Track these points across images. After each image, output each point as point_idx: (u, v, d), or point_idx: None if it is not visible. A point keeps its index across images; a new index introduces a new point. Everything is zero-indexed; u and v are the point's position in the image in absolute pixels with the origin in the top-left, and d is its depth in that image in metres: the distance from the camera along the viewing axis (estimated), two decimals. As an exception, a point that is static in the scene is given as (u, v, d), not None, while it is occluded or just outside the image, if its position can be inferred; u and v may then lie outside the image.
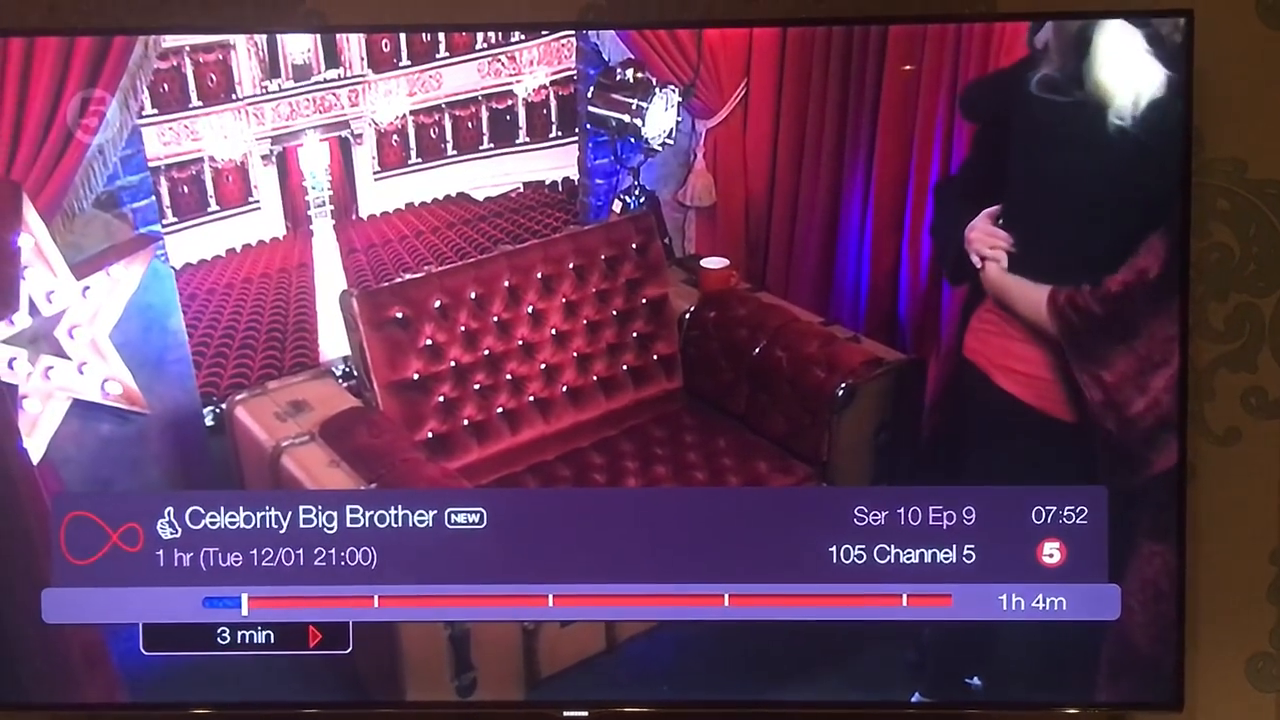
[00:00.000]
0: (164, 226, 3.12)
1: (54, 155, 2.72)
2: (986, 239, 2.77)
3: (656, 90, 3.36)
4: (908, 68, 3.12)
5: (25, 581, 2.77)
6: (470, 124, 3.51)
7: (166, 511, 2.83)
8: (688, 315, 3.43)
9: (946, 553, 2.77)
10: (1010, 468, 2.79)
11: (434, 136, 3.45)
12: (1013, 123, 2.76)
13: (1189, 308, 2.71)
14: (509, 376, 3.22)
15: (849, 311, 3.36)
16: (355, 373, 3.15)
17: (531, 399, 3.25)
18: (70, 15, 2.99)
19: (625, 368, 3.38)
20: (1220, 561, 2.98)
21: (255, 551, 2.80)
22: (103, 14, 3.00)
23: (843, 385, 3.08)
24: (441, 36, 3.28)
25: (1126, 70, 2.62)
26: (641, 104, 3.36)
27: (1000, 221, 2.79)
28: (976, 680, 2.89)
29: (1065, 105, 2.63)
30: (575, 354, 3.31)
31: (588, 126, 3.53)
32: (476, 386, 3.17)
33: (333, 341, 3.28)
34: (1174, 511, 2.71)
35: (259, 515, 2.79)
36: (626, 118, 3.39)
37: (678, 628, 2.94)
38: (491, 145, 3.54)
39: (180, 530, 2.83)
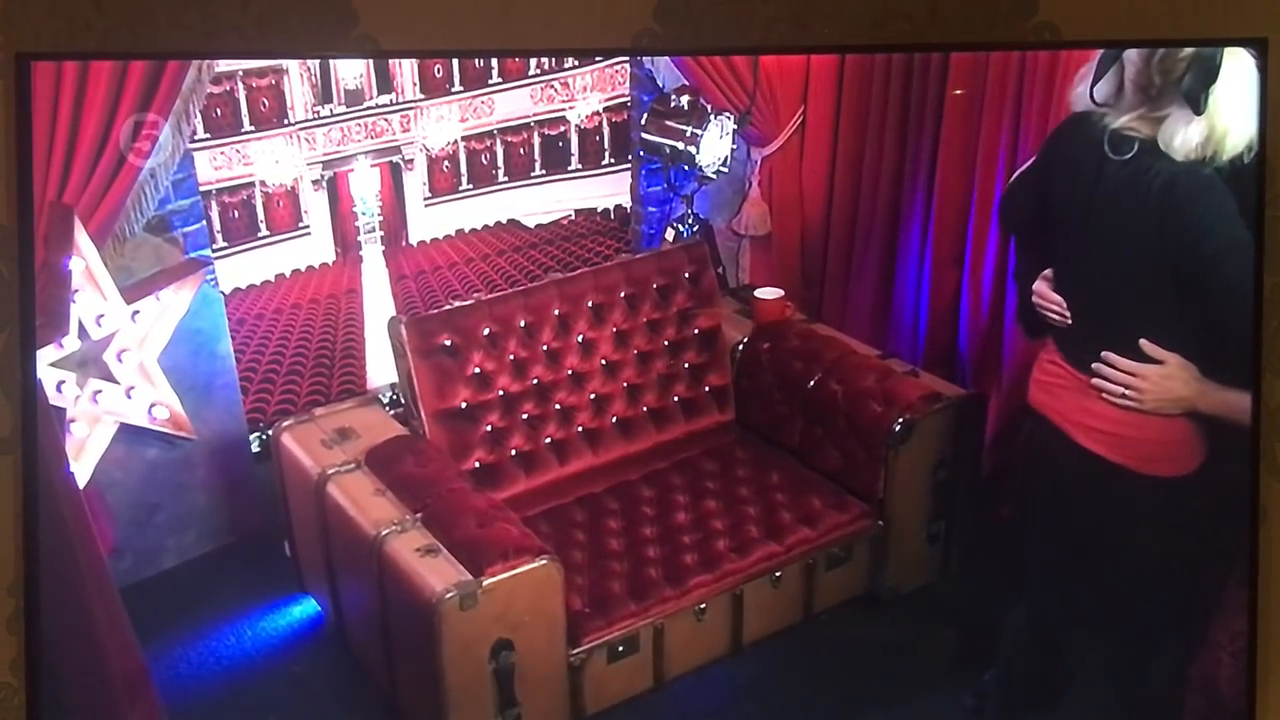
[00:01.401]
0: (214, 251, 3.14)
1: (106, 179, 2.71)
2: (1042, 301, 2.69)
3: (711, 117, 3.35)
4: (959, 92, 3.06)
5: (70, 608, 2.75)
6: (522, 150, 3.50)
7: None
8: (741, 346, 3.39)
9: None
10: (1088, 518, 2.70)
11: (485, 162, 3.44)
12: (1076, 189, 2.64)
13: (1262, 344, 2.61)
14: (558, 406, 3.19)
15: (907, 344, 3.33)
16: (403, 400, 3.12)
17: (580, 430, 3.23)
18: (124, 39, 2.98)
19: (676, 399, 3.35)
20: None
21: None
22: (156, 38, 2.99)
23: (900, 420, 3.02)
24: (494, 62, 3.28)
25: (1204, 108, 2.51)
26: (696, 131, 3.35)
27: (1055, 286, 2.66)
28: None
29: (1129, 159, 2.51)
30: (625, 384, 3.28)
31: (641, 153, 3.52)
32: (525, 416, 3.14)
33: (380, 368, 3.28)
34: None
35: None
36: (680, 145, 3.38)
37: (729, 665, 2.91)
38: (543, 172, 3.54)
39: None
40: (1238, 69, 2.37)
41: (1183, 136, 2.34)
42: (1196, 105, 2.33)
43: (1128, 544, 2.64)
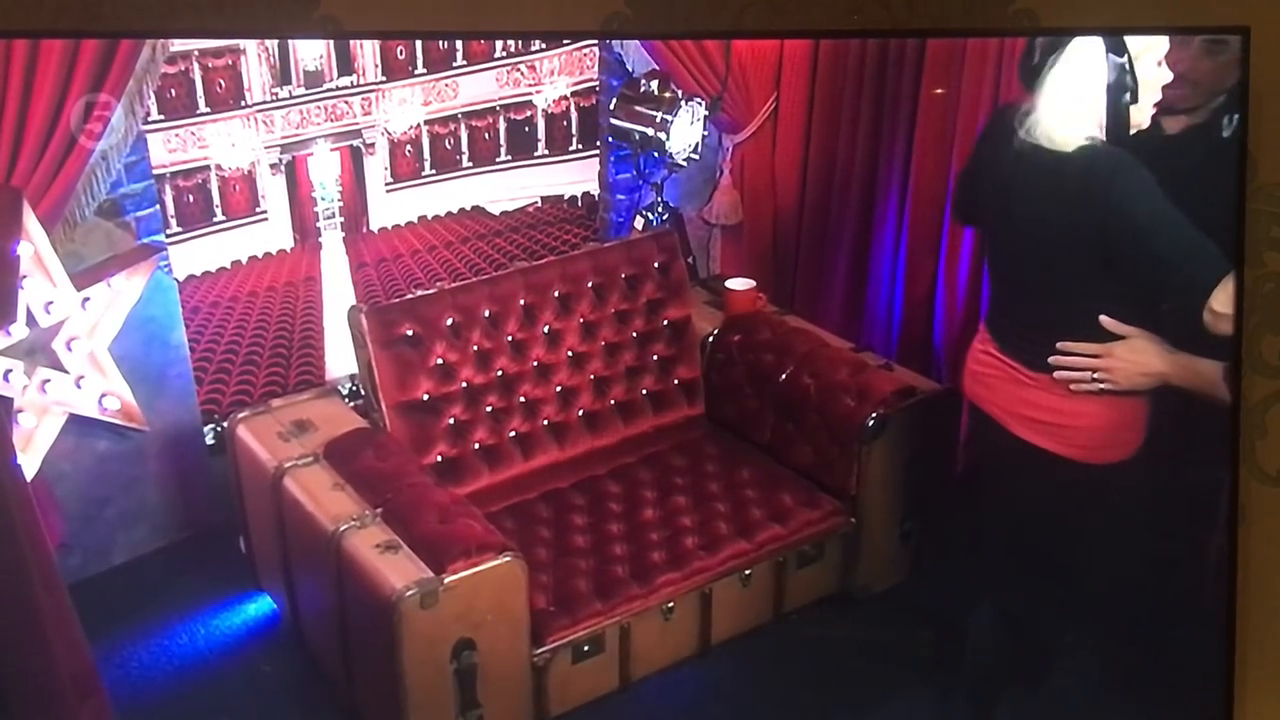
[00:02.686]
0: (168, 236, 3.10)
1: (56, 161, 2.67)
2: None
3: (682, 103, 3.34)
4: (939, 91, 3.06)
5: (16, 605, 2.70)
6: (487, 135, 3.50)
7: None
8: (711, 338, 3.36)
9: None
10: (1042, 514, 2.67)
11: (449, 147, 3.43)
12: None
13: (1241, 341, 2.59)
14: (523, 399, 3.15)
15: (881, 337, 3.33)
16: (363, 392, 3.08)
17: (546, 423, 3.19)
18: (77, 17, 2.93)
19: (645, 392, 3.31)
20: (1273, 605, 2.86)
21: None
22: (110, 16, 2.94)
23: (873, 415, 2.99)
24: (459, 44, 3.25)
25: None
26: (666, 117, 3.33)
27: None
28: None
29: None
30: (592, 377, 3.24)
31: (609, 140, 3.52)
32: (489, 409, 3.10)
33: (340, 359, 3.27)
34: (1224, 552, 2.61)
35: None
36: (650, 131, 3.36)
37: (697, 666, 2.89)
38: (509, 157, 3.54)
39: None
40: (1081, 56, 2.38)
41: (1025, 119, 2.40)
42: (1029, 82, 2.39)
43: (1077, 534, 2.64)
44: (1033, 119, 2.41)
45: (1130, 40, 2.38)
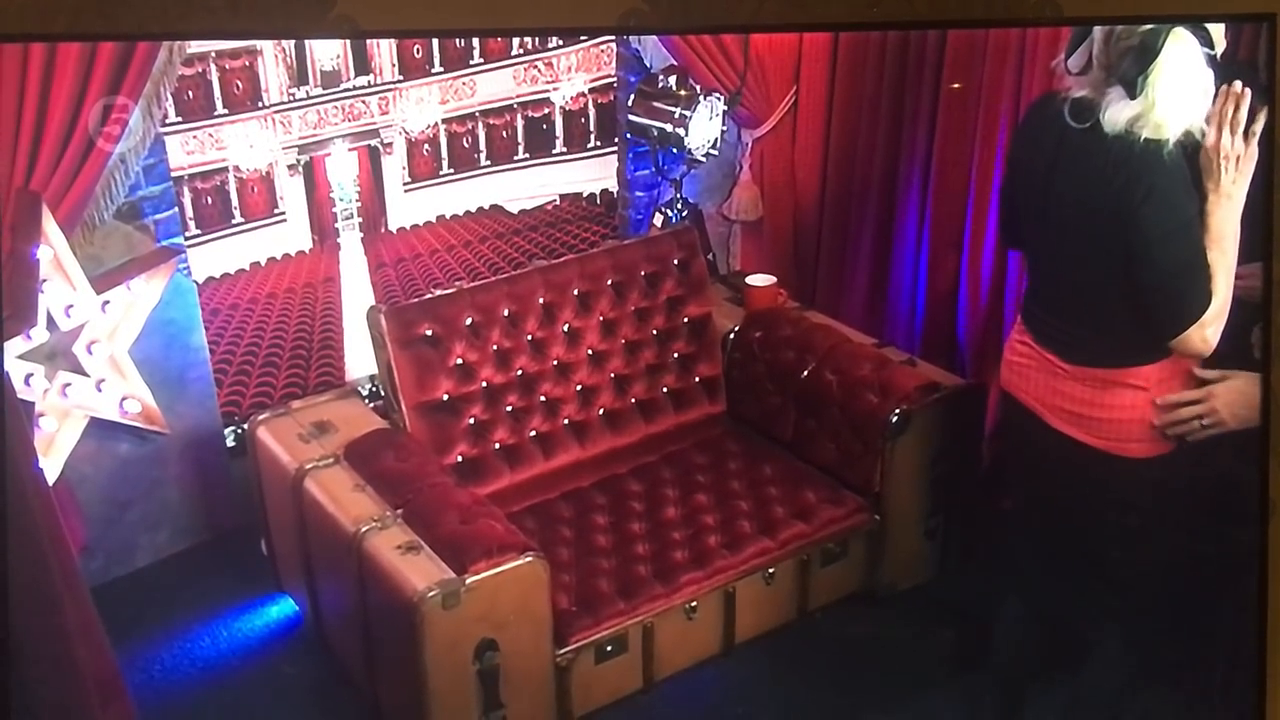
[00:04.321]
0: (186, 239, 3.11)
1: (75, 164, 2.67)
2: None
3: (701, 98, 3.34)
4: (956, 86, 3.04)
5: (39, 609, 2.71)
6: (505, 133, 3.49)
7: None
8: (732, 335, 3.35)
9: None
10: (1073, 506, 2.65)
11: (467, 146, 3.43)
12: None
13: (1271, 334, 2.56)
14: (543, 398, 3.14)
15: (904, 332, 3.32)
16: (382, 393, 3.07)
17: (566, 422, 3.17)
18: (94, 20, 2.94)
19: (665, 390, 3.30)
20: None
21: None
22: (127, 19, 2.95)
23: (897, 411, 2.97)
24: (476, 42, 3.25)
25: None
26: (685, 113, 3.33)
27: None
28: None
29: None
30: (613, 375, 3.22)
31: (628, 136, 3.52)
32: (509, 408, 3.09)
33: (359, 360, 3.27)
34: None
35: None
36: (669, 127, 3.36)
37: (720, 665, 2.87)
38: (527, 155, 3.54)
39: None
40: (1182, 54, 2.30)
41: (1113, 114, 2.32)
42: (1131, 88, 2.30)
43: (1108, 528, 2.60)
44: (1119, 112, 2.32)
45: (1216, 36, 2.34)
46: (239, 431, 3.15)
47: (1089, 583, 2.66)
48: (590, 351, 3.18)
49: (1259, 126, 2.35)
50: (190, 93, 3.01)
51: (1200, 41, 2.29)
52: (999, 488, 2.97)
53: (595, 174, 3.60)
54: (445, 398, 3.00)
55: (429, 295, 3.03)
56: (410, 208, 3.40)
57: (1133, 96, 2.29)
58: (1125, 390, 2.47)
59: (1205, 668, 2.68)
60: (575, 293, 3.15)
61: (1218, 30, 2.33)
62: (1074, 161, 2.39)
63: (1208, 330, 2.36)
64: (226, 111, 3.07)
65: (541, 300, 3.11)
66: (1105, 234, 2.37)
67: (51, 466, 2.79)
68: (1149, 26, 2.30)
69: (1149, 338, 2.40)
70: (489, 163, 3.48)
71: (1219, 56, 2.31)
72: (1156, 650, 2.72)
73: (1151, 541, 2.60)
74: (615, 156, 3.65)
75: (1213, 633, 2.67)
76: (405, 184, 3.40)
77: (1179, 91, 2.30)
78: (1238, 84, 2.31)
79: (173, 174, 3.00)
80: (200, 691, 2.85)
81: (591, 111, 3.55)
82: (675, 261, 3.27)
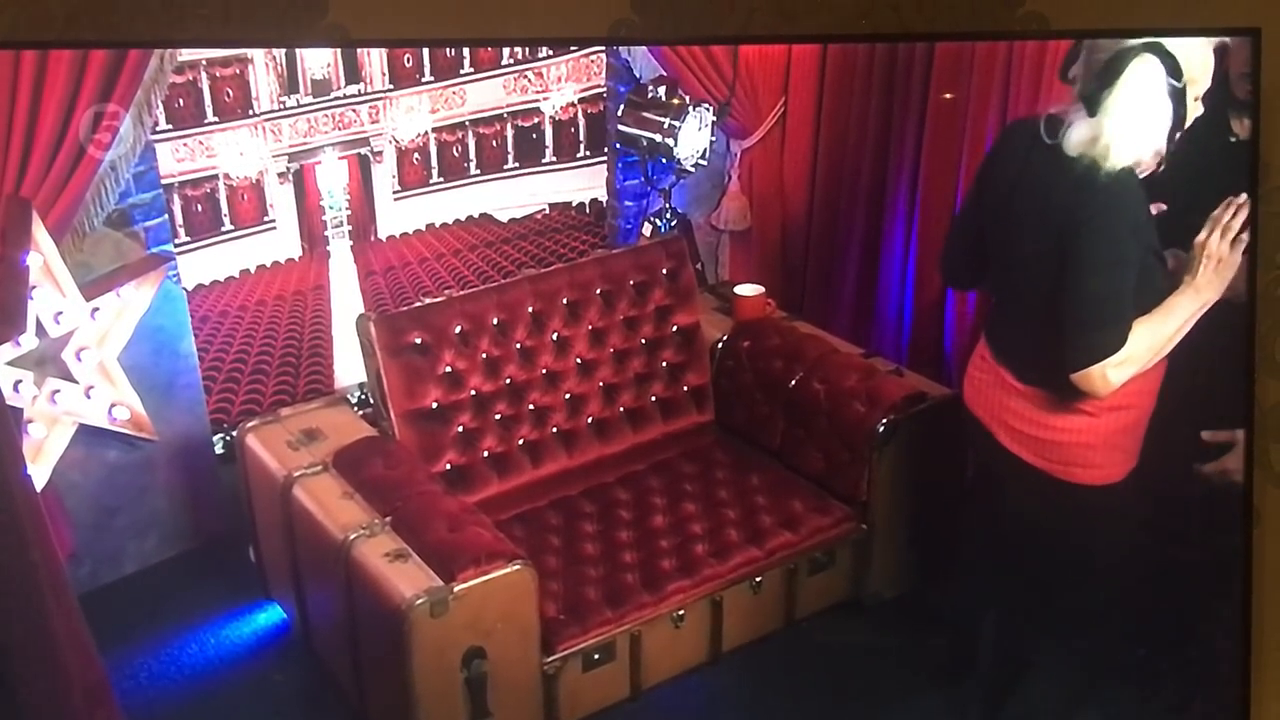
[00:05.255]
0: (176, 246, 3.11)
1: (65, 171, 2.67)
2: None
3: (690, 109, 3.34)
4: (947, 96, 3.05)
5: (26, 616, 2.70)
6: (495, 142, 3.50)
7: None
8: (720, 344, 3.35)
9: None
10: (1019, 525, 2.63)
11: (457, 155, 3.43)
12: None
13: (1255, 345, 2.57)
14: (531, 407, 3.14)
15: (891, 343, 3.32)
16: (371, 400, 3.07)
17: (555, 431, 3.17)
18: (86, 28, 2.94)
19: (654, 399, 3.30)
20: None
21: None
22: (118, 26, 2.95)
23: (884, 421, 2.97)
24: (466, 51, 3.25)
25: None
26: (674, 123, 3.33)
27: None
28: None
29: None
30: (601, 384, 3.22)
31: (617, 146, 3.52)
32: (497, 417, 3.09)
33: (349, 368, 3.27)
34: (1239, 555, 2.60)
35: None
36: (658, 137, 3.36)
37: (708, 674, 2.87)
38: (516, 164, 3.54)
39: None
40: (1145, 79, 2.28)
41: (1074, 131, 2.30)
42: (1090, 106, 2.29)
43: (1063, 554, 2.58)
44: (1078, 130, 2.31)
45: (1186, 69, 2.30)
46: (228, 439, 3.15)
47: (1050, 601, 2.65)
48: (579, 360, 3.18)
49: (1246, 235, 2.34)
50: (181, 100, 3.01)
51: (1167, 70, 2.26)
52: (972, 501, 2.95)
53: (584, 183, 3.60)
54: (434, 406, 3.00)
55: (418, 303, 3.03)
56: (400, 216, 3.40)
57: (1091, 114, 2.28)
58: (1074, 414, 2.44)
59: (1190, 677, 2.69)
60: (564, 301, 3.15)
61: (1194, 64, 2.30)
62: (1037, 175, 2.37)
63: (1110, 371, 2.31)
64: (217, 119, 3.08)
65: (530, 309, 3.11)
66: (1054, 252, 2.33)
67: (40, 473, 2.79)
68: (1120, 47, 2.28)
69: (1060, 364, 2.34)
70: (479, 172, 3.48)
71: (1188, 92, 2.28)
72: (1138, 660, 2.74)
73: (1107, 569, 2.59)
74: (604, 166, 3.65)
75: (1196, 642, 2.68)
76: (395, 192, 3.40)
77: (1133, 115, 2.27)
78: (1244, 195, 2.31)
79: (163, 181, 3.00)
80: (188, 699, 2.84)
81: (581, 121, 3.56)
82: (664, 271, 3.27)
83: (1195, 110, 2.34)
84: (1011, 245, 2.47)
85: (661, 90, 3.34)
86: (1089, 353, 2.30)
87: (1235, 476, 2.53)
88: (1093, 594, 2.61)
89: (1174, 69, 2.27)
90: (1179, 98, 2.28)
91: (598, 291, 3.20)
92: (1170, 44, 2.28)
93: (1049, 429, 2.47)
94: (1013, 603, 2.73)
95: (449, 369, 3.01)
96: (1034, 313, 2.44)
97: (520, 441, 3.12)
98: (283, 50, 3.03)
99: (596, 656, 2.73)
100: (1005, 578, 2.71)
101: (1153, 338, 2.34)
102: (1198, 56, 2.31)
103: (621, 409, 3.25)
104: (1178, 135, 2.31)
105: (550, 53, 3.27)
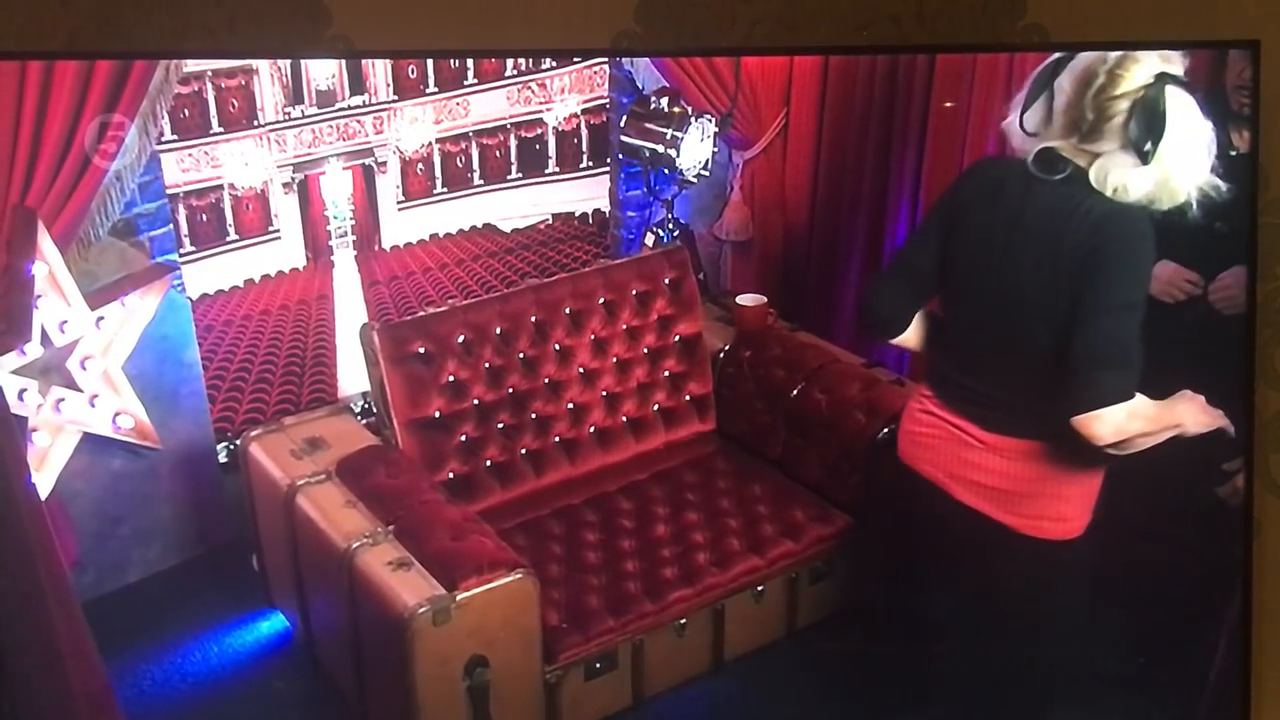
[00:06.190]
0: (181, 255, 3.11)
1: (70, 181, 2.67)
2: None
3: (692, 120, 3.33)
4: (949, 104, 3.05)
5: (30, 624, 2.70)
6: (498, 153, 3.49)
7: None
8: (722, 354, 3.35)
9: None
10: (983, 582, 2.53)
11: (460, 165, 3.43)
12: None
13: (1255, 355, 2.57)
14: (534, 416, 3.14)
15: (893, 353, 3.29)
16: (375, 409, 3.07)
17: (557, 440, 3.18)
18: (91, 39, 2.95)
19: (656, 408, 3.30)
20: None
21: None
22: (124, 37, 2.96)
23: (884, 430, 2.96)
24: (470, 63, 3.25)
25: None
26: (676, 134, 3.32)
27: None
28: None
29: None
30: (604, 393, 3.23)
31: (620, 157, 3.52)
32: (500, 426, 3.09)
33: (352, 377, 3.26)
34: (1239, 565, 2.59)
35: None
36: (660, 148, 3.35)
37: (710, 683, 2.88)
38: (520, 175, 3.54)
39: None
40: (1183, 113, 2.19)
41: (1120, 180, 2.19)
42: (1145, 157, 2.18)
43: (1030, 610, 2.49)
44: (1134, 181, 2.19)
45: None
46: (231, 447, 3.14)
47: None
48: (581, 370, 3.19)
49: None
50: (186, 111, 3.01)
51: (1187, 90, 2.19)
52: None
53: (587, 194, 3.60)
54: (437, 415, 3.01)
55: (422, 313, 3.04)
56: (404, 226, 3.40)
57: (1145, 163, 2.17)
58: (1047, 464, 2.35)
59: (1176, 701, 2.69)
60: (567, 311, 3.15)
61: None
62: (1043, 214, 2.25)
63: (1110, 419, 2.17)
64: (222, 130, 3.07)
65: (533, 319, 3.11)
66: (1055, 294, 2.23)
67: (44, 481, 2.79)
68: (1142, 86, 2.19)
69: (1055, 409, 2.22)
70: (482, 182, 3.48)
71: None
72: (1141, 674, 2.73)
73: (1062, 624, 2.52)
74: (607, 177, 3.65)
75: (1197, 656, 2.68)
76: (399, 202, 3.40)
77: (1189, 154, 2.19)
78: None
79: (168, 191, 3.00)
80: (191, 706, 2.84)
81: (584, 132, 3.55)
82: (666, 281, 3.28)
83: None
84: (992, 287, 2.33)
85: (664, 101, 3.34)
86: (1097, 394, 2.17)
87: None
88: (1065, 646, 2.54)
89: (1188, 85, 2.20)
90: (1209, 112, 2.21)
91: (600, 301, 3.20)
92: (1167, 64, 2.21)
93: (1017, 481, 2.38)
94: (977, 653, 2.65)
95: (452, 378, 3.01)
96: (1020, 358, 2.32)
97: (523, 451, 3.13)
98: (287, 61, 3.03)
99: (599, 665, 2.73)
100: (968, 632, 2.63)
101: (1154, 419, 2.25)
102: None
103: (624, 418, 3.26)
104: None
105: (553, 64, 3.27)
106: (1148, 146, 2.17)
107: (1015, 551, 2.42)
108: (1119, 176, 2.20)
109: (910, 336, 2.52)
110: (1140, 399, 2.21)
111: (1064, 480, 2.37)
